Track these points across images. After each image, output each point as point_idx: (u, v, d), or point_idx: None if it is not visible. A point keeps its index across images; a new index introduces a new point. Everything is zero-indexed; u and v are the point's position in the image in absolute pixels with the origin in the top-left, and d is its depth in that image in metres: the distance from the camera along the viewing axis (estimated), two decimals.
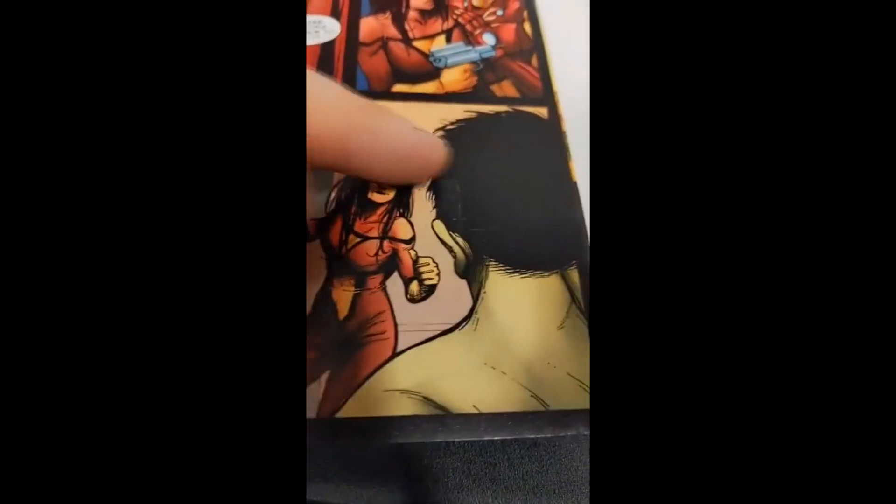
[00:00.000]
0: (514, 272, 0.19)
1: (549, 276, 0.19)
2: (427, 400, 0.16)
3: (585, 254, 0.19)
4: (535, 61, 0.25)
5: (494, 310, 0.18)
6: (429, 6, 0.26)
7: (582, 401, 0.17)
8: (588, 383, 0.17)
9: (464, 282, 0.18)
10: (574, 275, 0.19)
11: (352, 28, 0.25)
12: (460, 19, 0.26)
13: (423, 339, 0.17)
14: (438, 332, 0.17)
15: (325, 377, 0.16)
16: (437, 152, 0.18)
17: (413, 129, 0.17)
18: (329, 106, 0.15)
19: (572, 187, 0.21)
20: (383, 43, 0.25)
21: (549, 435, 0.16)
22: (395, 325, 0.17)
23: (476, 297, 0.18)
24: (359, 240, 0.19)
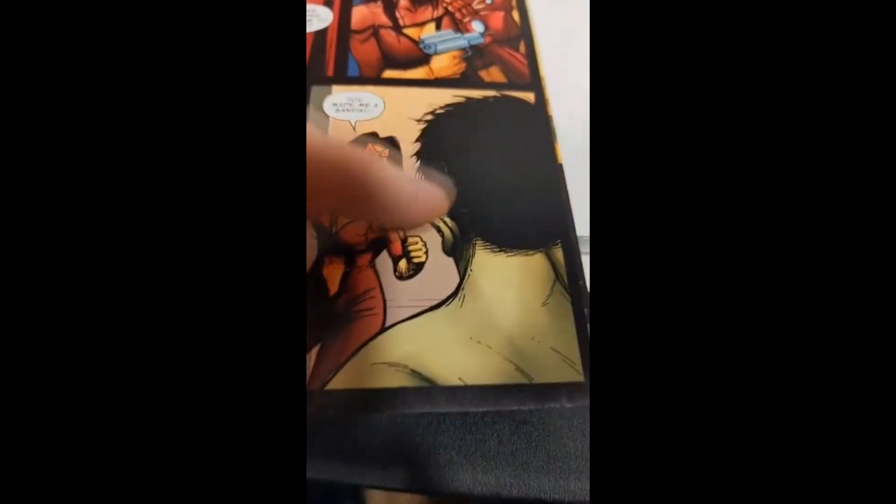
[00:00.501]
0: (500, 251, 0.19)
1: (534, 254, 0.19)
2: (414, 373, 0.17)
3: (570, 233, 0.20)
4: (522, 48, 0.25)
5: (481, 287, 0.18)
6: None
7: (565, 374, 0.17)
8: (571, 358, 0.17)
9: (451, 260, 0.19)
10: (559, 253, 0.19)
11: (343, 16, 0.25)
12: (450, 7, 0.26)
13: (411, 314, 0.18)
14: (426, 307, 0.18)
15: (315, 351, 0.17)
16: (438, 201, 0.18)
17: (414, 179, 0.18)
18: (335, 164, 0.15)
19: (558, 169, 0.21)
20: (374, 30, 0.25)
21: (532, 407, 0.17)
22: (384, 301, 0.18)
23: (463, 275, 0.19)
24: (348, 220, 0.19)
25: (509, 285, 0.18)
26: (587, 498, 0.21)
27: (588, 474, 0.21)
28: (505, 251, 0.19)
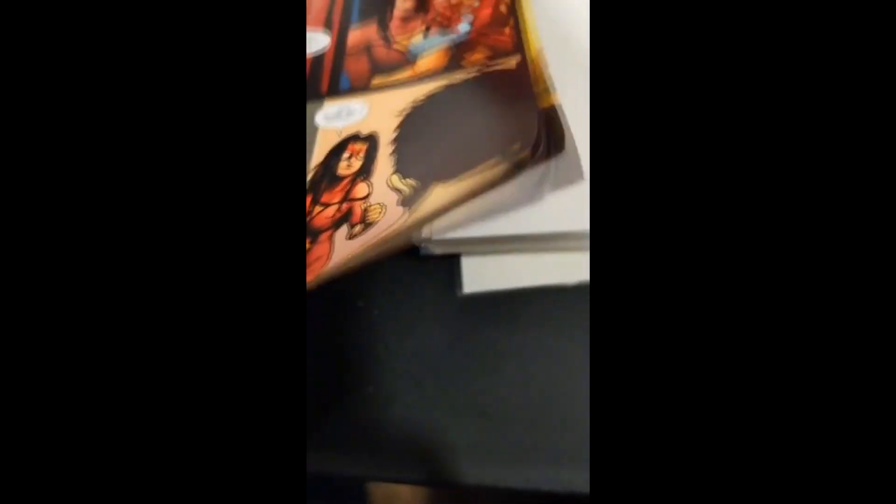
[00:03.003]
0: (459, 180, 0.19)
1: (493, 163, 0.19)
2: None
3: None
4: (508, 30, 0.25)
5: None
6: (412, 4, 0.27)
7: None
8: None
9: (405, 209, 0.19)
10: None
11: (340, 39, 0.27)
12: (438, 17, 0.27)
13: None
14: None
15: None
16: None
17: None
18: None
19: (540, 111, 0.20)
20: (367, 48, 0.26)
21: None
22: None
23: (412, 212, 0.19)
24: (321, 207, 0.20)
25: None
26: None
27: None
28: (463, 174, 0.19)
